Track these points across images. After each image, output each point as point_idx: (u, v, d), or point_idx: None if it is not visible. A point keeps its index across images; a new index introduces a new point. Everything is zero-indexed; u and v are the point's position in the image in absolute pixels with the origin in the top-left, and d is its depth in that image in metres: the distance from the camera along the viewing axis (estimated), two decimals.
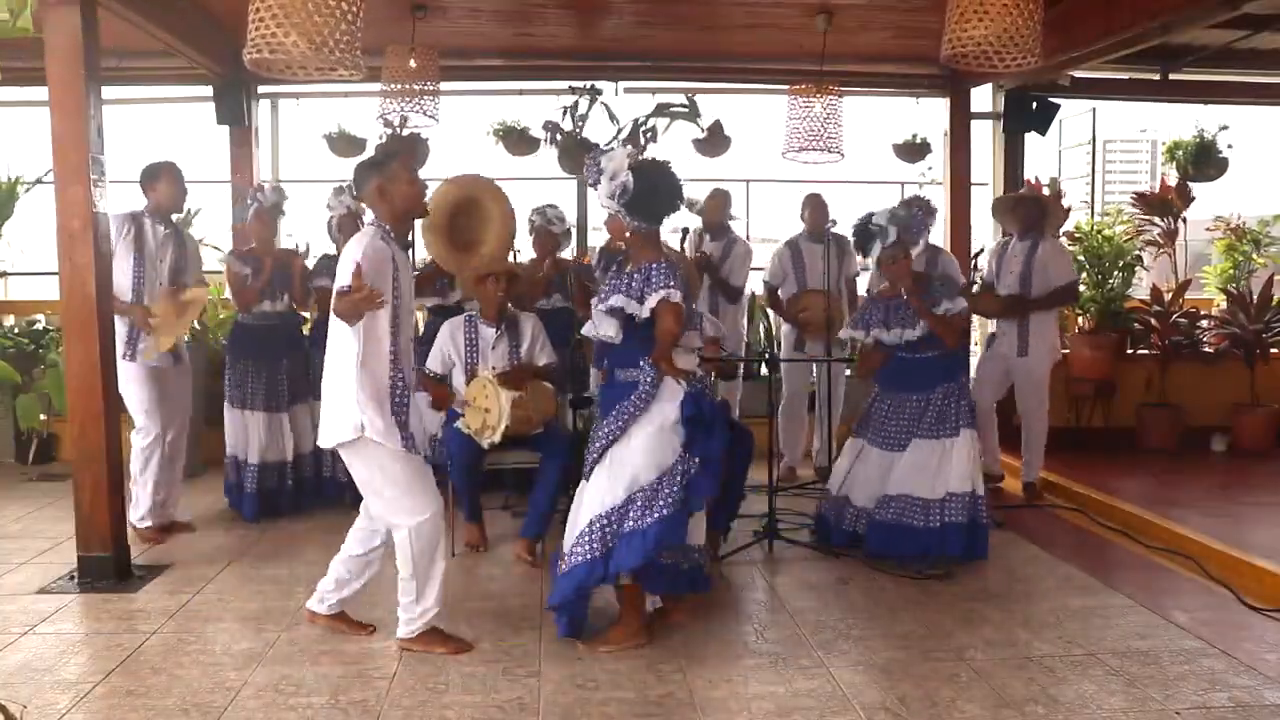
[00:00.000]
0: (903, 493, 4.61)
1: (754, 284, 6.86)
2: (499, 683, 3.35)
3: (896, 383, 4.80)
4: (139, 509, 4.99)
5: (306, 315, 5.87)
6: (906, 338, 4.68)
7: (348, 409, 3.41)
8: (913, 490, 4.58)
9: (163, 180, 4.94)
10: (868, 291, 5.30)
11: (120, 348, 4.78)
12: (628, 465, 3.55)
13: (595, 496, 3.59)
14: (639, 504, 3.51)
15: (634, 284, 3.57)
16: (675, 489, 3.51)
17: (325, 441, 3.55)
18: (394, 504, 3.52)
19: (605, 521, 3.53)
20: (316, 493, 5.64)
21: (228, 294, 5.59)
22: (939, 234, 7.43)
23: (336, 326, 3.42)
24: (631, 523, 3.49)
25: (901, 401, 4.75)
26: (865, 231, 4.78)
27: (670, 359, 3.51)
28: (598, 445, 3.64)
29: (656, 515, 3.47)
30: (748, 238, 7.24)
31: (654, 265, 3.56)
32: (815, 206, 6.33)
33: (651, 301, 3.51)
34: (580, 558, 3.53)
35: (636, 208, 3.58)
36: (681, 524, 3.54)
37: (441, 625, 3.65)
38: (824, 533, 4.95)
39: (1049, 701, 3.22)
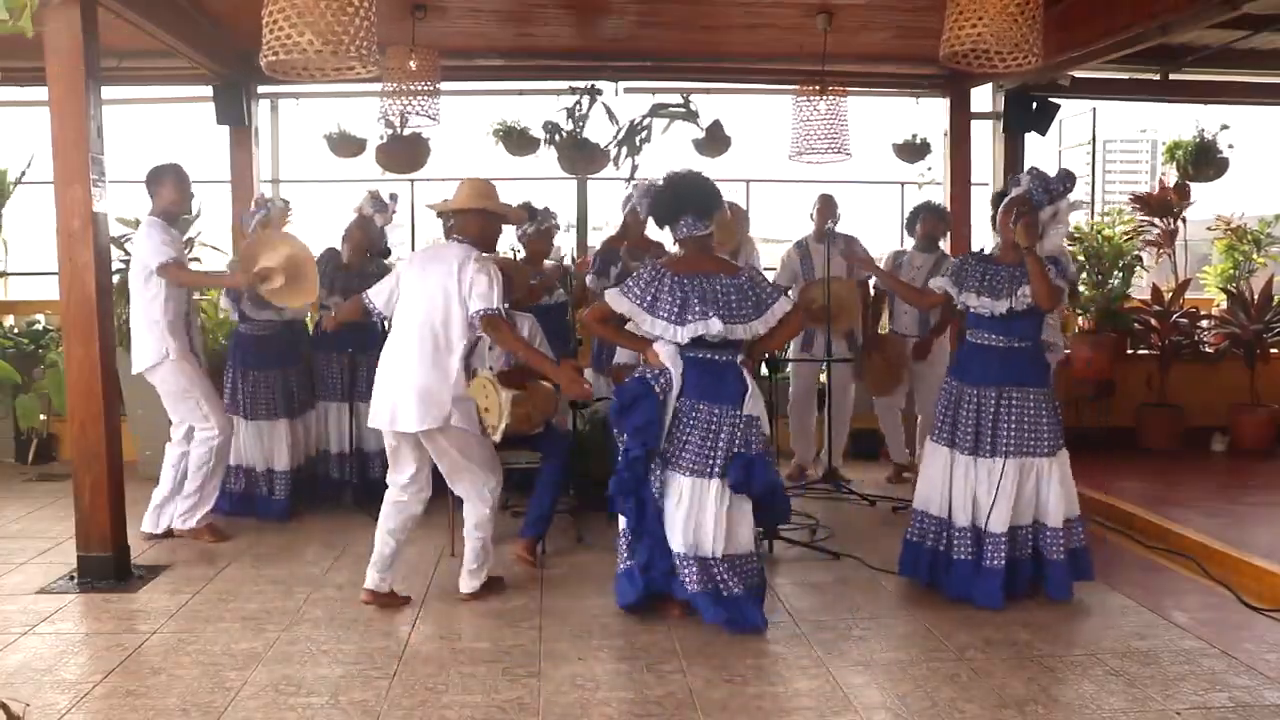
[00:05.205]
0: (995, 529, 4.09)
1: None
2: (499, 683, 3.35)
3: (977, 373, 4.18)
4: (198, 510, 4.97)
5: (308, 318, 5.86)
6: (993, 310, 4.13)
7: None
8: (1011, 520, 4.09)
9: (168, 183, 4.92)
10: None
11: (159, 348, 4.76)
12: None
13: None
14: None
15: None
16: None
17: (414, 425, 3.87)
18: (478, 477, 4.04)
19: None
20: (311, 499, 5.62)
21: (223, 303, 5.57)
22: None
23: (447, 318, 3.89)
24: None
25: (983, 397, 4.14)
26: (999, 201, 4.31)
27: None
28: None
29: None
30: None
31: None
32: (820, 207, 6.33)
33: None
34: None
35: None
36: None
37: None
38: (911, 565, 4.32)
39: (1049, 701, 3.22)
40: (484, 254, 4.05)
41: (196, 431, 4.95)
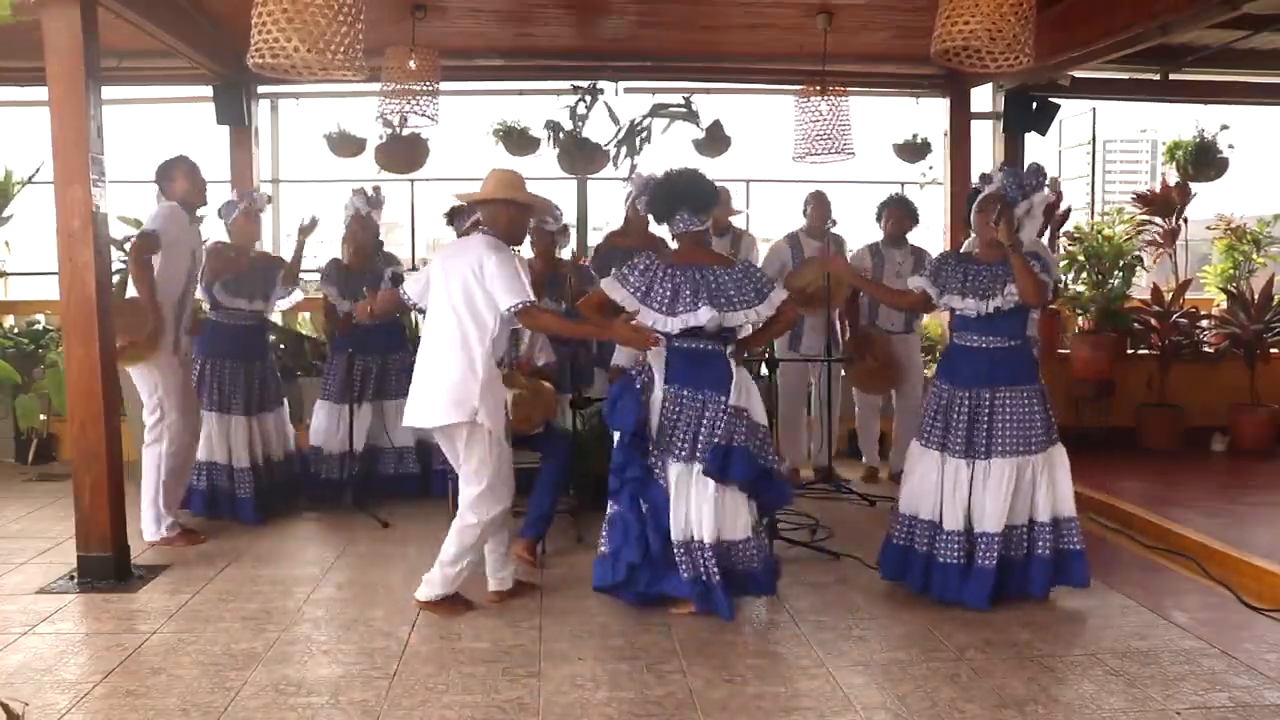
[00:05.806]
0: (985, 530, 4.07)
1: None
2: (499, 683, 3.35)
3: (968, 375, 4.15)
4: (164, 518, 4.94)
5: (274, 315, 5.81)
6: (981, 310, 4.08)
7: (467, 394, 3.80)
8: (996, 523, 4.04)
9: (178, 175, 4.92)
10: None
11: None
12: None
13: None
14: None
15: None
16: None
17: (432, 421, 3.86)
18: (481, 489, 3.86)
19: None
20: (292, 496, 5.61)
21: (199, 291, 5.52)
22: (937, 236, 7.45)
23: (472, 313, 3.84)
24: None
25: (976, 399, 4.11)
26: (973, 197, 4.28)
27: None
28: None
29: None
30: None
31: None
32: (818, 204, 6.32)
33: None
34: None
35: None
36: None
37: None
38: (898, 569, 4.28)
39: (1049, 701, 3.23)
40: (508, 246, 4.02)
41: (148, 428, 4.90)
